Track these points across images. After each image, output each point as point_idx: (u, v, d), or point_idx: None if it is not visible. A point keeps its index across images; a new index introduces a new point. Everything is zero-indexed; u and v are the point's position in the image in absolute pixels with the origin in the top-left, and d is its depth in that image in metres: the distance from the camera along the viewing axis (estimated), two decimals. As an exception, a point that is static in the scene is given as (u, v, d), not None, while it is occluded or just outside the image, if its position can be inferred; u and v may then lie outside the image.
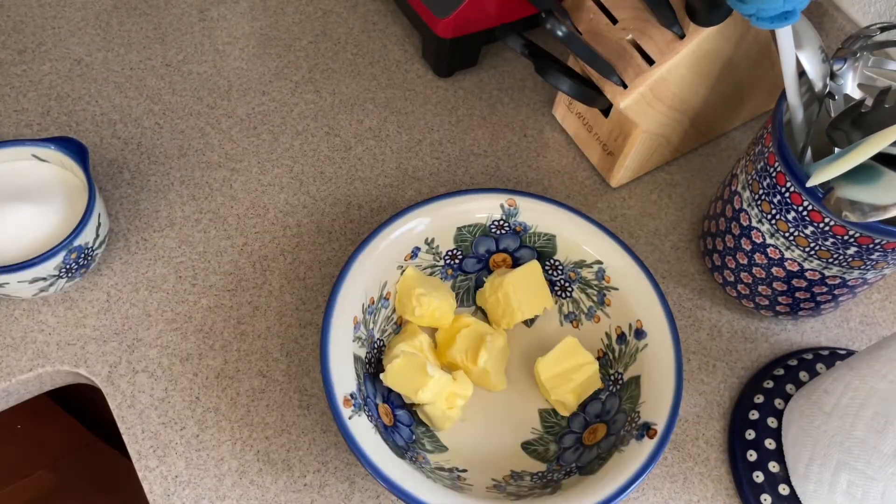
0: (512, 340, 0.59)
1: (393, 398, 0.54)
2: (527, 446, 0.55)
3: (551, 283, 0.59)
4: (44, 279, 0.54)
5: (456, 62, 0.72)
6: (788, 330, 0.63)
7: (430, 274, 0.58)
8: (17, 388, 0.55)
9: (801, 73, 0.52)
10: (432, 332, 0.58)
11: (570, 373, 0.55)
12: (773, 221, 0.53)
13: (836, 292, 0.56)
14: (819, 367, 0.58)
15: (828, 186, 0.48)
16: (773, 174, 0.52)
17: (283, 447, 0.53)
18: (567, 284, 0.59)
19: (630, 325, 0.55)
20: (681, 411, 0.58)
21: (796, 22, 0.47)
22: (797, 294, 0.57)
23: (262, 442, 0.53)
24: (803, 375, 0.58)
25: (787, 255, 0.54)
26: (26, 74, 0.67)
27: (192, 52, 0.71)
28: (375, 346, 0.54)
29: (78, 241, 0.53)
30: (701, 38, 0.56)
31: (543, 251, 0.59)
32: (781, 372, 0.59)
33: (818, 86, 0.52)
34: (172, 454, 0.52)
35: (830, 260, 0.52)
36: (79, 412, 0.79)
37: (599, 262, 0.57)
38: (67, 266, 0.54)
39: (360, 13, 0.76)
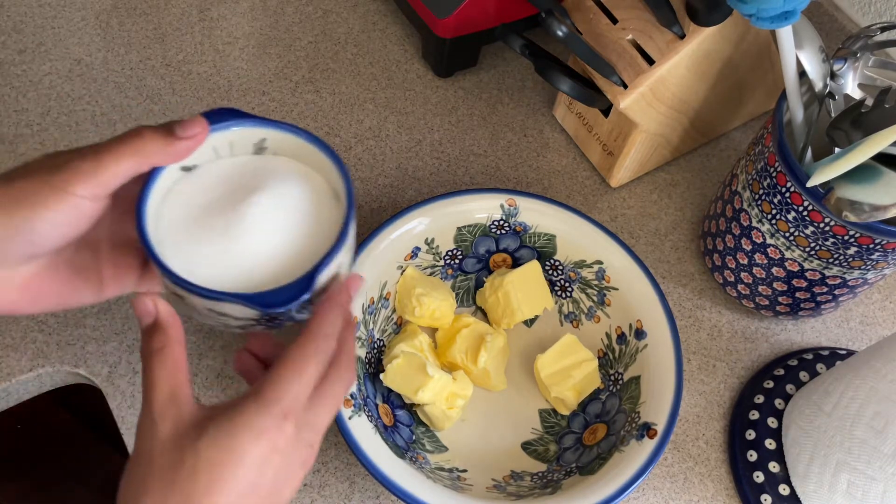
0: (512, 340, 0.59)
1: (393, 398, 0.54)
2: (527, 446, 0.55)
3: (551, 283, 0.59)
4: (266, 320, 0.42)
5: (456, 62, 0.72)
6: (789, 330, 0.63)
7: (430, 274, 0.58)
8: (17, 388, 0.55)
9: (802, 73, 0.52)
10: (432, 332, 0.58)
11: (569, 370, 0.55)
12: (774, 221, 0.53)
13: (836, 292, 0.56)
14: (819, 367, 0.58)
15: (828, 186, 0.48)
16: (774, 174, 0.52)
17: (283, 447, 0.53)
18: (567, 284, 0.59)
19: (630, 325, 0.55)
20: (681, 411, 0.58)
21: (796, 22, 0.47)
22: (797, 294, 0.57)
23: (262, 442, 0.53)
24: (803, 375, 0.58)
25: (788, 255, 0.54)
26: (26, 74, 0.67)
27: (192, 52, 0.71)
28: (375, 346, 0.54)
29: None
30: (701, 38, 0.56)
31: (543, 251, 0.59)
32: (782, 372, 0.59)
33: (818, 86, 0.52)
34: (172, 454, 0.52)
35: (831, 260, 0.52)
36: (79, 412, 0.79)
37: (599, 262, 0.57)
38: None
39: (360, 13, 0.76)
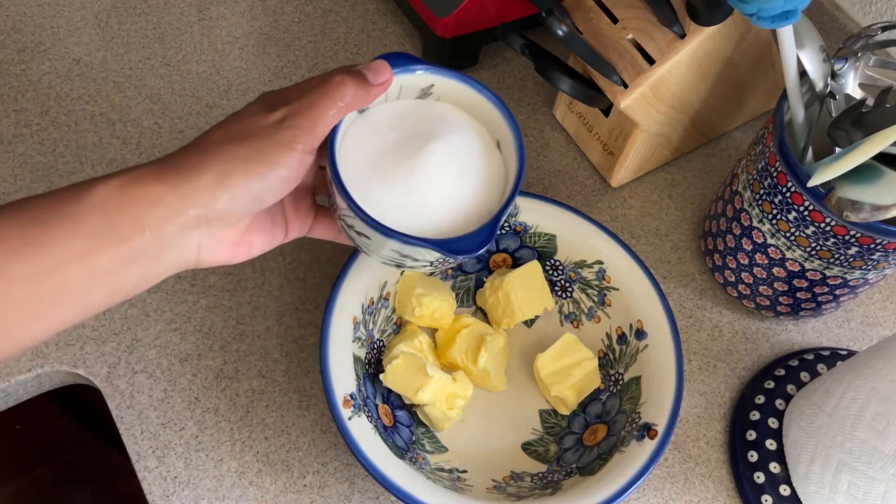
0: (512, 341, 0.58)
1: (393, 399, 0.54)
2: (527, 447, 0.55)
3: (551, 283, 0.59)
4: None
5: (456, 62, 0.72)
6: (789, 330, 0.63)
7: (430, 274, 0.58)
8: (16, 389, 0.55)
9: (802, 73, 0.52)
10: (432, 332, 0.58)
11: (569, 369, 0.55)
12: (774, 221, 0.53)
13: (837, 292, 0.56)
14: (820, 367, 0.58)
15: (829, 186, 0.48)
16: (774, 174, 0.52)
17: (283, 448, 0.53)
18: (567, 284, 0.59)
19: (631, 326, 0.55)
20: (681, 412, 0.58)
21: (797, 21, 0.47)
22: (798, 294, 0.57)
23: (262, 443, 0.53)
24: (804, 376, 0.58)
25: (788, 255, 0.54)
26: (25, 74, 0.67)
27: (192, 52, 0.71)
28: (375, 346, 0.54)
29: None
30: (702, 38, 0.56)
31: (544, 251, 0.58)
32: (782, 372, 0.58)
33: (819, 85, 0.52)
34: (171, 455, 0.52)
35: (831, 260, 0.52)
36: (78, 412, 0.79)
37: (600, 262, 0.57)
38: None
39: (360, 12, 0.76)
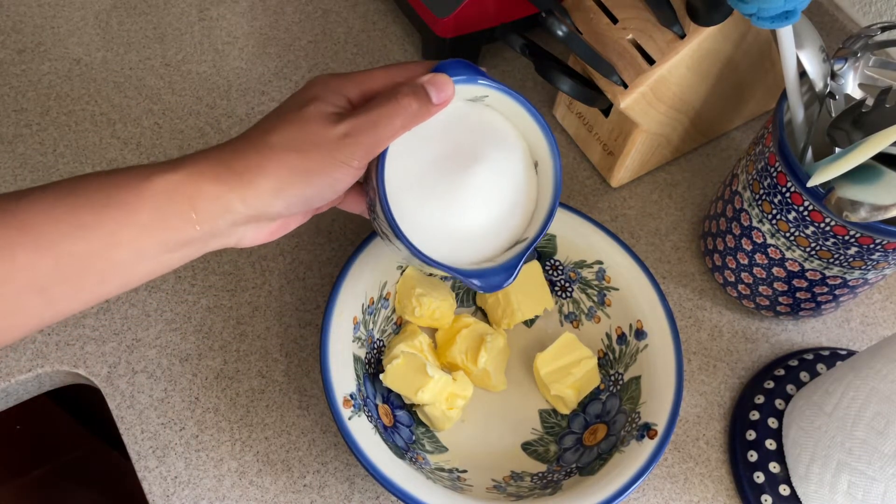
0: (512, 341, 0.59)
1: (393, 399, 0.54)
2: (527, 447, 0.55)
3: (551, 283, 0.59)
4: None
5: (456, 62, 0.72)
6: (789, 330, 0.63)
7: (430, 274, 0.58)
8: (17, 389, 0.55)
9: (802, 73, 0.52)
10: (432, 332, 0.58)
11: (569, 367, 0.55)
12: (774, 221, 0.53)
13: (836, 292, 0.56)
14: (820, 367, 0.58)
15: (828, 186, 0.48)
16: (774, 174, 0.52)
17: (283, 448, 0.53)
18: (567, 284, 0.59)
19: (630, 326, 0.55)
20: (681, 412, 0.58)
21: (797, 21, 0.47)
22: (798, 294, 0.57)
23: (262, 442, 0.53)
24: (804, 376, 0.58)
25: (788, 255, 0.54)
26: (25, 74, 0.67)
27: (192, 52, 0.71)
28: (375, 346, 0.54)
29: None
30: (701, 38, 0.56)
31: (543, 251, 0.58)
32: (782, 372, 0.58)
33: (819, 85, 0.52)
34: (172, 455, 0.52)
35: (831, 260, 0.52)
36: (78, 412, 0.79)
37: (600, 262, 0.57)
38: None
39: (360, 13, 0.76)
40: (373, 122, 0.40)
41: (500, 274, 0.44)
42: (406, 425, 0.53)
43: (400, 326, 0.57)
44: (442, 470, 0.51)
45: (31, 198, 0.36)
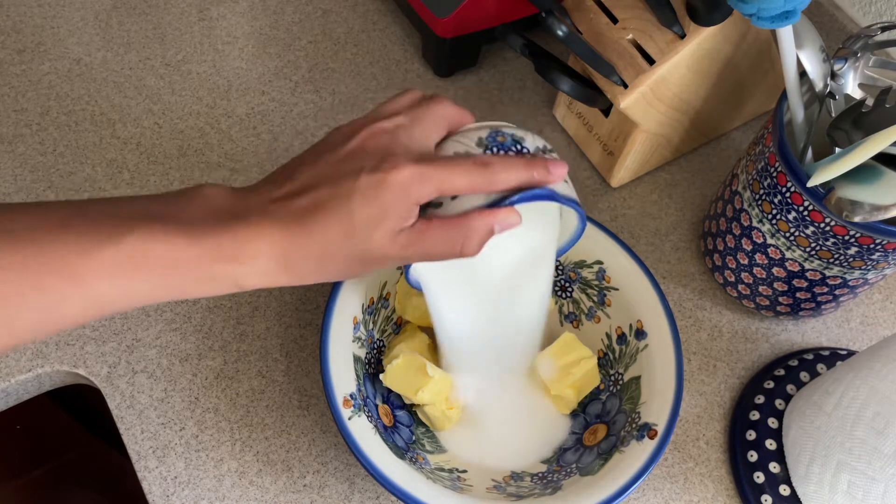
0: (512, 341, 0.58)
1: (393, 399, 0.54)
2: (527, 447, 0.55)
3: (551, 284, 0.59)
4: None
5: (456, 62, 0.72)
6: (789, 330, 0.63)
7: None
8: (17, 389, 0.55)
9: (802, 73, 0.52)
10: (432, 332, 0.58)
11: (569, 367, 0.55)
12: (774, 221, 0.53)
13: (836, 292, 0.56)
14: (820, 367, 0.58)
15: (829, 186, 0.48)
16: (774, 174, 0.52)
17: (283, 448, 0.53)
18: (567, 284, 0.59)
19: (630, 326, 0.55)
20: (681, 412, 0.58)
21: (797, 21, 0.47)
22: (798, 294, 0.57)
23: (262, 443, 0.53)
24: (804, 376, 0.58)
25: (788, 255, 0.54)
26: (25, 74, 0.67)
27: (192, 52, 0.71)
28: (375, 346, 0.54)
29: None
30: (701, 38, 0.56)
31: (543, 251, 0.58)
32: (782, 372, 0.58)
33: (819, 85, 0.52)
34: (172, 455, 0.52)
35: (831, 260, 0.52)
36: (78, 412, 0.79)
37: (600, 263, 0.57)
38: None
39: (360, 12, 0.76)
40: (427, 251, 0.38)
41: None
42: (406, 425, 0.53)
43: (400, 326, 0.57)
44: (442, 470, 0.51)
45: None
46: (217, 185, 0.39)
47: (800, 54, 0.51)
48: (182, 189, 0.38)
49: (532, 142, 0.42)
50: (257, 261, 0.36)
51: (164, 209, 0.36)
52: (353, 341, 0.51)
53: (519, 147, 0.41)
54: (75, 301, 0.34)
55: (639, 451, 0.49)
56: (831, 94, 0.51)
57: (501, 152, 0.41)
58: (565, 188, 0.42)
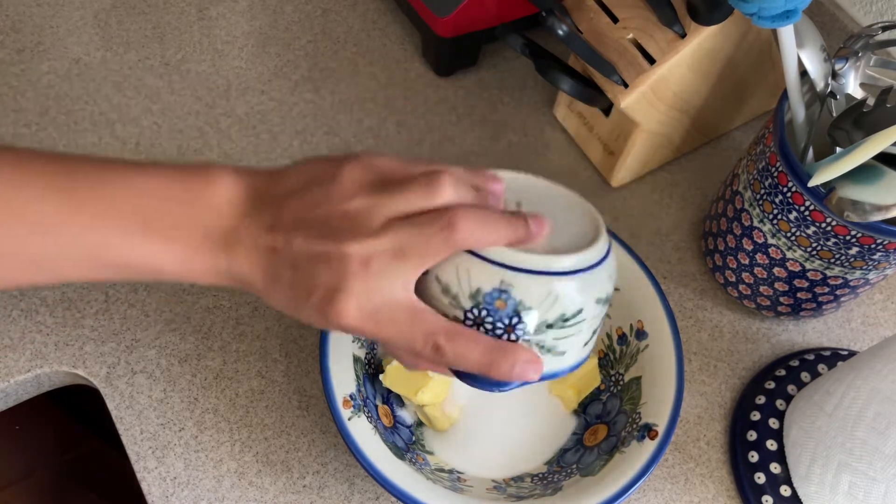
0: (512, 341, 0.58)
1: (393, 399, 0.54)
2: (527, 447, 0.55)
3: (552, 284, 0.59)
4: None
5: (456, 61, 0.72)
6: (790, 330, 0.63)
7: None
8: (16, 389, 0.55)
9: (803, 73, 0.52)
10: (432, 332, 0.58)
11: (569, 368, 0.54)
12: (775, 221, 0.53)
13: (837, 292, 0.56)
14: (821, 367, 0.58)
15: (829, 186, 0.48)
16: (775, 174, 0.52)
17: (283, 448, 0.53)
18: (567, 285, 0.59)
19: (631, 326, 0.55)
20: (682, 412, 0.57)
21: (798, 21, 0.46)
22: (799, 294, 0.57)
23: (262, 443, 0.53)
24: (805, 376, 0.58)
25: (789, 255, 0.54)
26: (24, 74, 0.67)
27: (191, 52, 0.71)
28: (375, 346, 0.54)
29: None
30: (702, 37, 0.56)
31: (544, 251, 0.58)
32: (783, 372, 0.58)
33: (820, 85, 0.52)
34: (171, 455, 0.52)
35: (832, 260, 0.52)
36: (77, 413, 0.79)
37: (600, 263, 0.57)
38: None
39: (360, 12, 0.76)
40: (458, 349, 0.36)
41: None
42: (406, 426, 0.53)
43: (400, 327, 0.57)
44: (442, 470, 0.51)
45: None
46: (228, 184, 0.39)
47: (801, 54, 0.50)
48: (191, 179, 0.39)
49: (540, 313, 0.34)
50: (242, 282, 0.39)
51: (157, 213, 0.38)
52: (353, 341, 0.51)
53: (515, 321, 0.35)
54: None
55: (639, 452, 0.49)
56: (832, 94, 0.51)
57: (489, 319, 0.35)
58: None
